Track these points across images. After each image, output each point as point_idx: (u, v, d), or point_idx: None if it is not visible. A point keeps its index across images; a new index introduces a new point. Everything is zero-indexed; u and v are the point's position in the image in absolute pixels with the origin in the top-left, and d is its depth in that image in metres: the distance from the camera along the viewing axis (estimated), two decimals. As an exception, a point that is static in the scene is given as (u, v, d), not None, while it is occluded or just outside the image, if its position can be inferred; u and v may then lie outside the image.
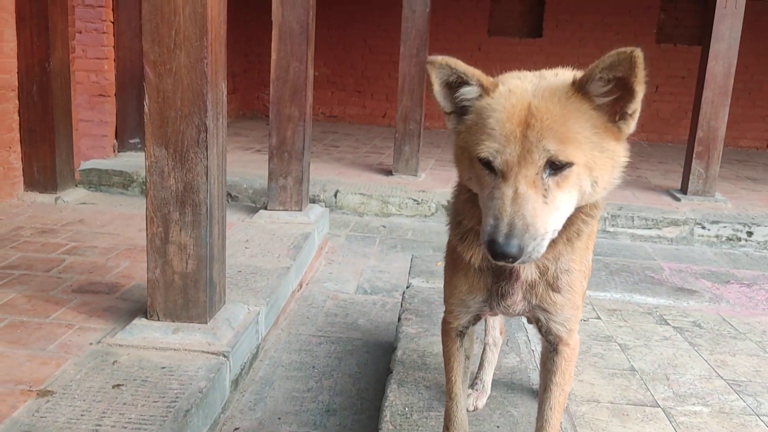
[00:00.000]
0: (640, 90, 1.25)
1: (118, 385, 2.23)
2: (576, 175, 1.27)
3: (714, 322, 3.48)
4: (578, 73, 1.30)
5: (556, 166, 1.25)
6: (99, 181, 5.47)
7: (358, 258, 4.50)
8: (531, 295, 1.53)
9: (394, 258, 4.53)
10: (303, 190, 4.52)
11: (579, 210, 1.39)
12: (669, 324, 3.42)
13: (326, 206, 5.46)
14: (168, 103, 2.47)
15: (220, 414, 2.43)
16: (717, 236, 5.27)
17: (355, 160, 7.02)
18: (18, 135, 4.64)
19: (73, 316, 2.72)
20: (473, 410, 2.10)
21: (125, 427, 1.99)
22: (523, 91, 1.30)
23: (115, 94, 5.92)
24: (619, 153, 1.32)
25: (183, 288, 2.59)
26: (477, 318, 1.67)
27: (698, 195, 5.89)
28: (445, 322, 1.73)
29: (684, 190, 6.01)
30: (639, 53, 1.19)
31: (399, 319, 2.84)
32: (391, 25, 8.99)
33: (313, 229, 4.24)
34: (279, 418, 2.47)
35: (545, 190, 1.25)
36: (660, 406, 2.56)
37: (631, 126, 1.31)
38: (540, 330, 1.62)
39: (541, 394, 1.68)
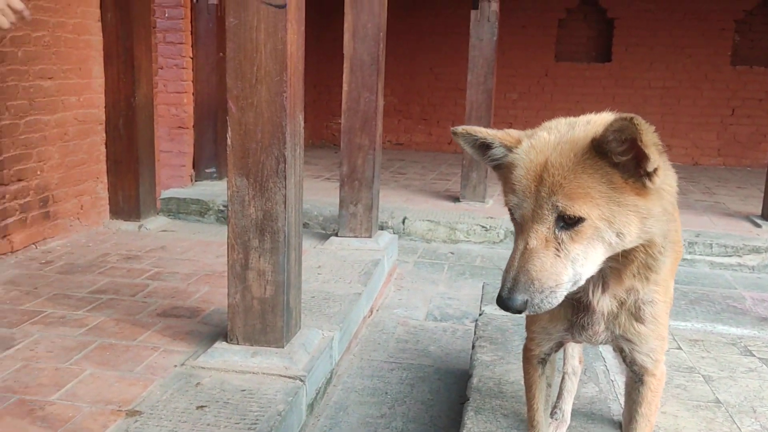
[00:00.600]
0: (652, 152, 1.26)
1: (202, 406, 2.32)
2: (592, 229, 1.29)
3: (804, 355, 3.31)
4: (600, 128, 1.31)
5: (568, 221, 1.29)
6: (178, 209, 5.70)
7: (426, 284, 4.52)
8: (614, 325, 1.53)
9: (463, 285, 4.52)
10: (372, 217, 4.59)
11: (644, 247, 1.39)
12: (754, 355, 3.28)
13: (394, 233, 5.51)
14: (249, 135, 2.58)
15: (297, 437, 2.47)
16: (804, 264, 5.02)
17: (422, 187, 7.06)
18: (105, 166, 4.91)
19: (158, 339, 2.84)
20: (553, 440, 2.07)
21: (209, 448, 2.06)
22: (543, 145, 1.35)
23: (192, 126, 6.19)
24: (647, 206, 1.32)
25: (261, 313, 2.67)
26: (559, 345, 1.66)
27: (781, 221, 5.64)
28: (527, 349, 1.73)
29: (765, 216, 5.76)
30: (638, 120, 1.21)
31: (473, 346, 2.83)
32: (456, 53, 9.06)
33: (382, 255, 4.29)
34: (354, 444, 2.50)
35: (558, 243, 1.30)
36: (748, 442, 2.45)
37: (656, 181, 1.30)
38: (624, 360, 1.60)
39: (627, 425, 1.65)
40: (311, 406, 2.67)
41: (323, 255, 4.23)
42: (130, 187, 4.88)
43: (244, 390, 2.44)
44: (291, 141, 2.61)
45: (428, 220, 5.66)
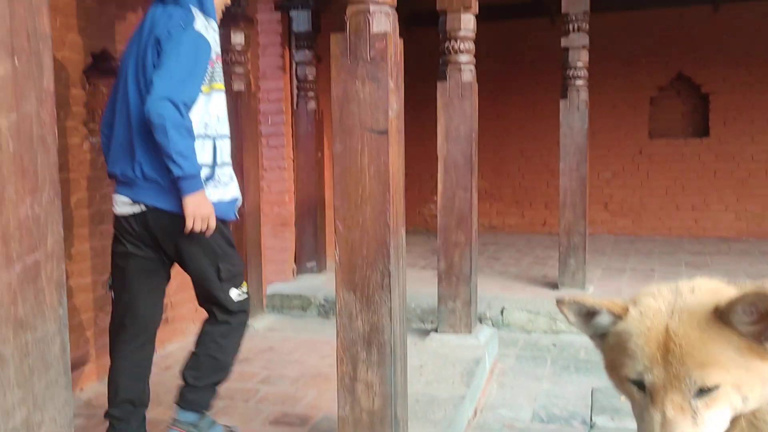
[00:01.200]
0: None
1: None
2: (725, 395, 1.31)
3: None
4: (721, 298, 1.34)
5: (703, 389, 1.30)
6: (281, 304, 5.94)
7: (530, 381, 4.43)
8: None
9: (569, 380, 4.40)
10: (471, 312, 4.61)
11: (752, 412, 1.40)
12: None
13: (492, 324, 5.48)
14: (355, 252, 2.72)
15: None
16: None
17: (518, 273, 7.01)
18: (216, 268, 5.20)
19: (272, 449, 2.95)
20: None
21: None
22: (656, 312, 1.37)
23: (294, 223, 6.51)
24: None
25: (370, 425, 2.73)
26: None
27: None
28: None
29: None
30: None
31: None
32: (546, 134, 9.12)
33: (483, 352, 4.28)
34: None
35: (694, 412, 1.31)
36: None
37: None
38: None
39: None
40: None
41: (424, 354, 4.27)
42: (238, 288, 5.14)
43: (356, 505, 2.48)
44: (395, 255, 2.73)
45: (527, 310, 5.60)
